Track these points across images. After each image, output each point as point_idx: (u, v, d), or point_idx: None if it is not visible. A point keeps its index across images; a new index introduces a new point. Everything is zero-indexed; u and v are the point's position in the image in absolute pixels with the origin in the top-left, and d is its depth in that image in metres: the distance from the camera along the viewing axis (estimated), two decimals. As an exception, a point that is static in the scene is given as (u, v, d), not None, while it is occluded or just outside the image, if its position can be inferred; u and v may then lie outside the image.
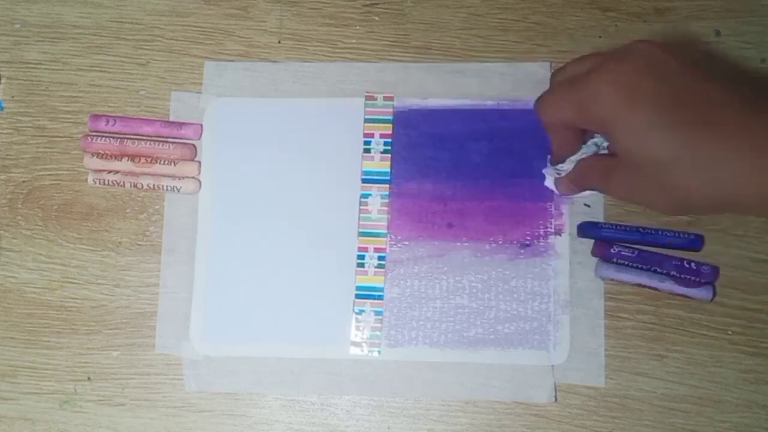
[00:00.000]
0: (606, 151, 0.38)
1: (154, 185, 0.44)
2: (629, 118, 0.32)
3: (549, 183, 0.42)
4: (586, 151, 0.38)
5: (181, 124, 0.45)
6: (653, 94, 0.32)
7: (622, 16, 0.44)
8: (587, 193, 0.41)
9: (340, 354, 0.43)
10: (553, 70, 0.38)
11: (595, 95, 0.33)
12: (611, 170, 0.35)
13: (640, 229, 0.42)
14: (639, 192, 0.34)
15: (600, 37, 0.44)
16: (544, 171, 0.42)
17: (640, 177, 0.33)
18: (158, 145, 0.44)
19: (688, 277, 0.41)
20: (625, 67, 0.33)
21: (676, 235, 0.42)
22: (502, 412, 0.42)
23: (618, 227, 0.42)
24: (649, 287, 0.41)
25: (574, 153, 0.39)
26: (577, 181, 0.40)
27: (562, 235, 0.43)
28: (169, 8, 0.46)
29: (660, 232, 0.42)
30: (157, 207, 0.45)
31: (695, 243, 0.41)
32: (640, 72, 0.32)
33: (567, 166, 0.40)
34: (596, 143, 0.38)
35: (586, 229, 0.42)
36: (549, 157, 0.41)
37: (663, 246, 0.42)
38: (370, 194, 0.44)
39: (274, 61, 0.45)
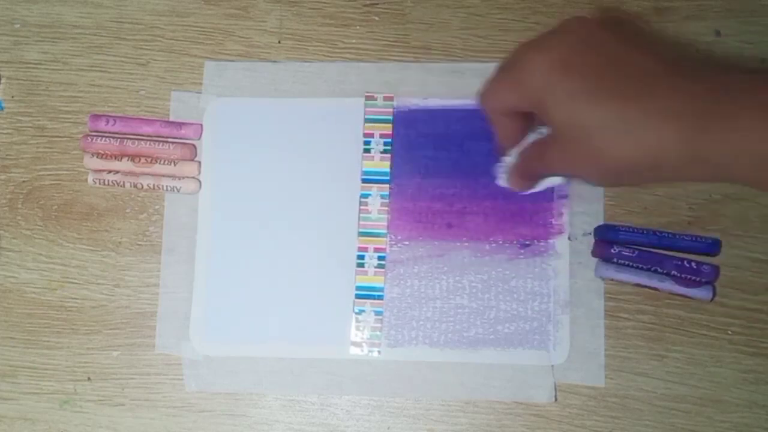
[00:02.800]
0: None
1: (154, 185, 0.44)
2: (559, 87, 0.32)
3: (501, 180, 0.42)
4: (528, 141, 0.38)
5: (181, 124, 0.45)
6: (583, 64, 0.32)
7: (622, 16, 0.44)
8: (544, 184, 0.40)
9: (340, 354, 0.43)
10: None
11: (529, 70, 0.33)
12: (547, 147, 0.35)
13: (657, 233, 0.42)
14: (572, 163, 0.34)
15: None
16: (494, 169, 0.41)
17: (572, 148, 0.33)
18: (158, 145, 0.44)
19: (688, 277, 0.41)
20: (556, 40, 0.33)
21: (694, 239, 0.41)
22: (502, 412, 0.42)
23: (635, 231, 0.42)
24: (649, 287, 0.41)
25: (518, 145, 0.39)
26: (521, 170, 0.39)
27: (562, 235, 0.43)
28: (169, 8, 0.46)
29: (677, 236, 0.42)
30: (157, 207, 0.45)
31: (713, 247, 0.41)
32: (571, 44, 0.33)
33: (513, 159, 0.39)
34: (539, 133, 0.38)
35: (604, 232, 0.42)
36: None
37: (680, 250, 0.42)
38: (370, 194, 0.44)
39: (274, 61, 0.45)
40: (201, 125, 0.45)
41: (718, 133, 0.29)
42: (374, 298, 0.43)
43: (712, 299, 0.41)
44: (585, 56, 0.33)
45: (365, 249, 0.43)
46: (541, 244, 0.43)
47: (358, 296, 0.43)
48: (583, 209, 0.43)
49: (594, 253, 0.42)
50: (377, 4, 0.45)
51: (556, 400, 0.42)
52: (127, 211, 0.45)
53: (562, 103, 0.32)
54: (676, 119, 0.30)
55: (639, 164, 0.32)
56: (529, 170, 0.39)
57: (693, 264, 0.41)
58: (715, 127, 0.29)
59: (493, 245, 0.43)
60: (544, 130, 0.38)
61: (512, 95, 0.35)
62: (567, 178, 0.40)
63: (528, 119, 0.37)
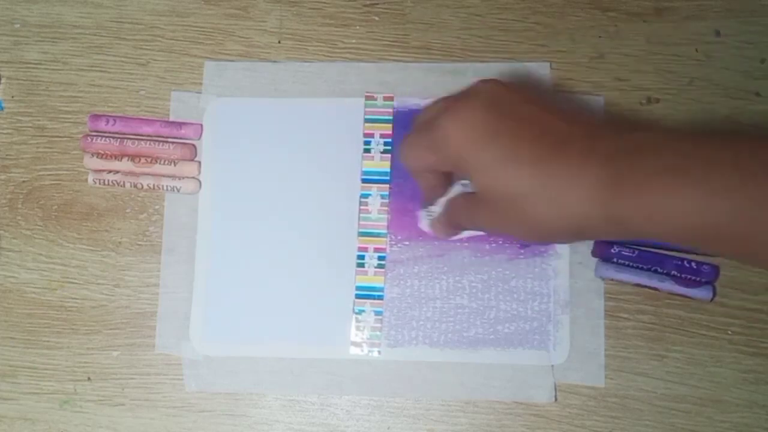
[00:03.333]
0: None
1: (154, 185, 0.44)
2: (476, 156, 0.33)
3: (423, 225, 0.43)
4: (454, 191, 0.40)
5: (181, 124, 0.45)
6: (496, 131, 0.33)
7: (622, 16, 0.44)
8: (466, 234, 0.42)
9: (340, 354, 0.43)
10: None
11: (444, 136, 0.34)
12: (475, 205, 0.36)
13: None
14: (501, 224, 0.35)
15: (600, 37, 0.44)
16: (417, 213, 0.43)
17: (499, 210, 0.34)
18: (158, 145, 0.44)
19: (688, 277, 0.41)
20: (469, 105, 0.34)
21: None
22: (502, 412, 0.42)
23: None
24: (649, 287, 0.41)
25: (443, 195, 0.40)
26: (447, 221, 0.41)
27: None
28: (169, 8, 0.46)
29: None
30: (157, 207, 0.45)
31: None
32: (483, 109, 0.33)
33: (437, 207, 0.41)
34: (463, 184, 0.40)
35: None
36: (421, 201, 0.42)
37: (680, 250, 0.41)
38: (370, 194, 0.44)
39: (274, 61, 0.45)
40: (201, 125, 0.45)
41: (630, 198, 0.30)
42: (374, 298, 0.43)
43: (712, 299, 0.41)
44: (498, 123, 0.33)
45: (365, 249, 0.44)
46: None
47: (358, 296, 0.43)
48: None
49: (594, 253, 0.42)
50: (377, 4, 0.46)
51: (556, 400, 0.42)
52: (127, 211, 0.45)
53: (482, 172, 0.33)
54: (593, 186, 0.31)
55: (569, 228, 0.32)
56: (455, 220, 0.40)
57: (693, 264, 0.41)
58: (627, 192, 0.30)
59: (493, 245, 0.43)
60: (467, 182, 0.39)
61: (431, 158, 0.36)
62: (492, 234, 0.42)
63: (450, 174, 0.38)
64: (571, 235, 0.34)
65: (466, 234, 0.42)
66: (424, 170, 0.38)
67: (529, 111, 0.33)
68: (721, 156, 0.29)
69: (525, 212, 0.33)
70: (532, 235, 0.35)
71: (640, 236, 0.31)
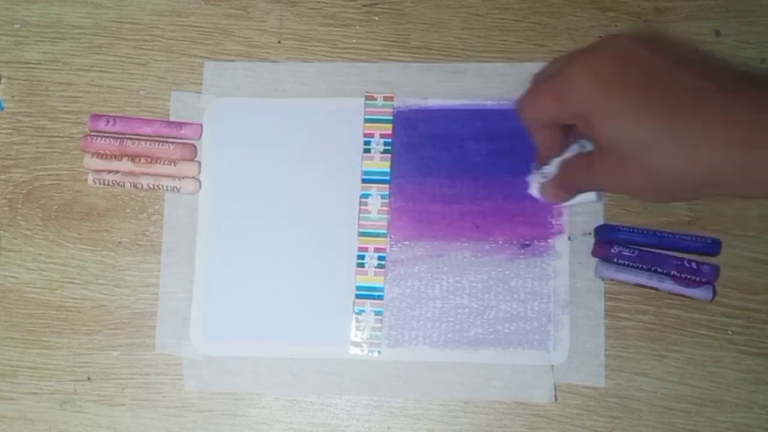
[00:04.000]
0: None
1: (154, 185, 0.44)
2: (604, 104, 0.32)
3: (534, 190, 0.42)
4: (570, 152, 0.38)
5: (181, 124, 0.45)
6: (626, 80, 0.32)
7: (622, 16, 0.44)
8: (577, 199, 0.41)
9: (340, 354, 0.43)
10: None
11: (570, 86, 0.33)
12: (593, 163, 0.35)
13: (657, 233, 0.42)
14: (621, 180, 0.34)
15: (600, 37, 0.44)
16: (527, 178, 0.42)
17: (620, 164, 0.33)
18: (158, 145, 0.44)
19: (688, 277, 0.41)
20: (598, 57, 0.33)
21: (694, 239, 0.41)
22: (502, 412, 0.42)
23: (635, 231, 0.42)
24: (649, 287, 0.41)
25: (558, 154, 0.39)
26: (561, 182, 0.40)
27: (562, 235, 0.43)
28: (169, 8, 0.46)
29: (677, 236, 0.42)
30: (157, 207, 0.45)
31: (713, 247, 0.41)
32: (612, 61, 0.33)
33: (551, 168, 0.40)
34: (581, 144, 0.38)
35: (604, 232, 0.42)
36: (533, 163, 0.41)
37: (680, 250, 0.42)
38: (370, 194, 0.44)
39: (274, 61, 0.45)
40: (201, 125, 0.45)
41: (765, 149, 0.29)
42: (374, 298, 0.43)
43: (712, 299, 0.41)
44: (628, 73, 0.32)
45: (365, 249, 0.44)
46: (541, 244, 0.43)
47: (358, 296, 0.43)
48: (583, 209, 0.43)
49: (594, 253, 0.42)
50: (377, 4, 0.45)
51: (556, 400, 0.42)
52: (127, 211, 0.45)
53: (608, 120, 0.32)
54: (726, 135, 0.30)
55: (695, 181, 0.31)
56: (570, 184, 0.39)
57: (693, 264, 0.41)
58: (763, 143, 0.29)
59: (493, 245, 0.43)
60: (585, 143, 0.38)
61: (554, 109, 0.35)
62: (611, 192, 0.40)
63: (568, 130, 0.37)
64: (696, 188, 0.32)
65: (576, 199, 0.41)
66: (545, 123, 0.36)
67: (660, 64, 0.33)
68: None
69: (650, 164, 0.32)
70: (655, 191, 0.33)
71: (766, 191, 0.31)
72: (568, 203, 0.42)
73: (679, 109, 0.31)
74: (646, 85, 0.32)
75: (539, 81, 0.37)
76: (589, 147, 0.38)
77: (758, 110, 0.30)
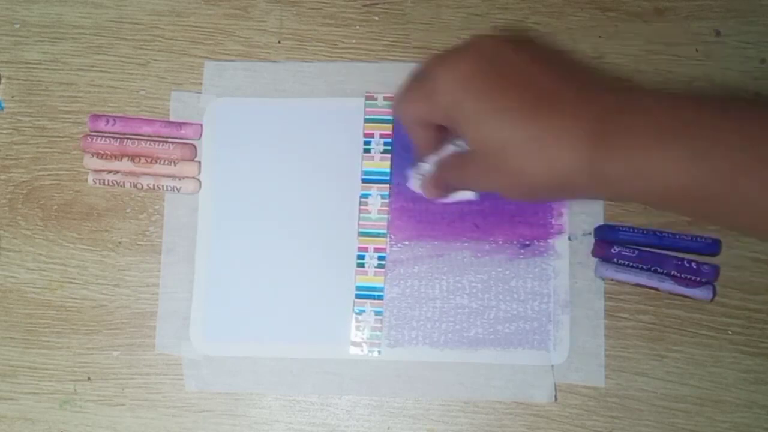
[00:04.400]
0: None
1: (154, 185, 0.44)
2: (465, 105, 0.33)
3: (412, 185, 0.43)
4: (446, 151, 0.39)
5: (181, 124, 0.45)
6: (488, 82, 0.33)
7: (622, 16, 0.44)
8: (457, 196, 0.42)
9: (340, 354, 0.43)
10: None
11: (436, 86, 0.34)
12: (465, 162, 0.36)
13: (657, 233, 0.42)
14: (488, 180, 0.35)
15: (600, 37, 0.44)
16: (407, 172, 0.43)
17: (486, 164, 0.34)
18: (158, 145, 0.44)
19: (688, 277, 0.41)
20: (460, 56, 0.34)
21: (694, 239, 0.41)
22: (502, 412, 0.42)
23: (635, 231, 0.42)
24: (649, 287, 0.41)
25: (434, 152, 0.40)
26: (437, 180, 0.40)
27: (562, 235, 0.43)
28: (169, 8, 0.46)
29: (677, 236, 0.42)
30: (157, 207, 0.45)
31: (713, 247, 0.41)
32: (474, 60, 0.33)
33: (427, 166, 0.41)
34: (456, 144, 0.39)
35: (604, 232, 0.42)
36: (413, 159, 0.42)
37: (680, 250, 0.42)
38: (370, 194, 0.44)
39: (274, 61, 0.45)
40: (201, 125, 0.45)
41: (615, 157, 0.30)
42: (374, 298, 0.43)
43: (712, 299, 0.41)
44: (490, 74, 0.33)
45: (365, 249, 0.44)
46: (541, 244, 0.43)
47: (358, 296, 0.43)
48: (582, 209, 0.43)
49: (594, 253, 0.42)
50: (377, 4, 0.45)
51: (556, 400, 0.42)
52: (127, 211, 0.45)
53: (473, 123, 0.33)
54: (581, 142, 0.31)
55: (549, 184, 0.32)
56: (445, 182, 0.40)
57: (693, 264, 0.41)
58: (613, 150, 0.30)
59: (493, 245, 0.43)
60: (461, 143, 0.39)
61: (423, 108, 0.35)
62: (482, 191, 0.42)
63: (443, 129, 0.38)
64: (555, 191, 0.33)
65: (454, 198, 0.42)
66: (416, 122, 0.37)
67: (521, 65, 0.33)
68: (707, 119, 0.29)
69: (511, 165, 0.32)
70: (518, 191, 0.34)
71: (622, 198, 0.31)
72: (446, 200, 0.43)
73: (536, 111, 0.32)
74: (506, 87, 0.33)
75: (410, 79, 0.38)
76: (465, 146, 0.38)
77: (604, 116, 0.31)
